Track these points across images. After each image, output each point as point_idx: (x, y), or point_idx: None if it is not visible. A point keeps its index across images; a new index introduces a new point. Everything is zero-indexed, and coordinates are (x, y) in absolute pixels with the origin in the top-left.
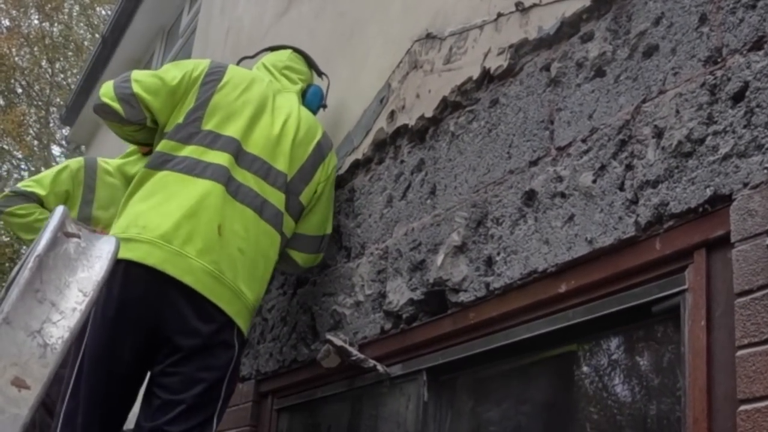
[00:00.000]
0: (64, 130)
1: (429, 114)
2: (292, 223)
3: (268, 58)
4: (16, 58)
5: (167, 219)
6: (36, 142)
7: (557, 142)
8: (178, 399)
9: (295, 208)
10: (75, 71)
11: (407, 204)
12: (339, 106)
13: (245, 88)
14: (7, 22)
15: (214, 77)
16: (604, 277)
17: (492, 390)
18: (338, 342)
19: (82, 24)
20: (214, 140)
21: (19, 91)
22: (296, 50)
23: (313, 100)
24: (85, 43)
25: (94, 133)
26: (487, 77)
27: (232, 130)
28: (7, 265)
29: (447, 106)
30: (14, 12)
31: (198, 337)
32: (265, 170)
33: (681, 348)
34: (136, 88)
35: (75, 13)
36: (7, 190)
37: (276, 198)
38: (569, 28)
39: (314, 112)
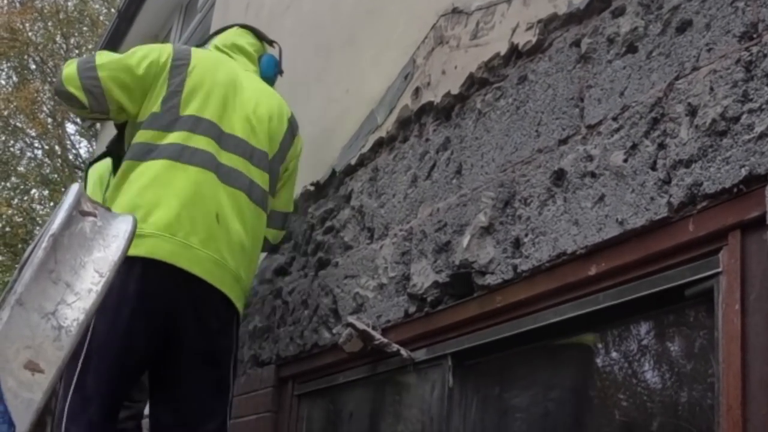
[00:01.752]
0: None
1: (455, 91)
2: (271, 200)
3: (218, 39)
4: (30, 34)
5: (167, 210)
6: (50, 120)
7: (587, 120)
8: (187, 396)
9: (275, 185)
10: (90, 47)
11: (432, 184)
12: (362, 84)
13: (213, 70)
14: None
15: (182, 62)
16: (635, 259)
17: (519, 375)
18: (361, 326)
19: None
20: (195, 125)
21: (33, 67)
22: (241, 25)
23: (268, 70)
24: (101, 17)
25: None
26: (515, 53)
27: (210, 114)
28: (20, 246)
29: (474, 83)
30: None
31: (210, 332)
32: (249, 151)
33: (714, 333)
34: (105, 82)
35: None
36: None
37: (261, 178)
38: (600, 2)
39: (272, 81)
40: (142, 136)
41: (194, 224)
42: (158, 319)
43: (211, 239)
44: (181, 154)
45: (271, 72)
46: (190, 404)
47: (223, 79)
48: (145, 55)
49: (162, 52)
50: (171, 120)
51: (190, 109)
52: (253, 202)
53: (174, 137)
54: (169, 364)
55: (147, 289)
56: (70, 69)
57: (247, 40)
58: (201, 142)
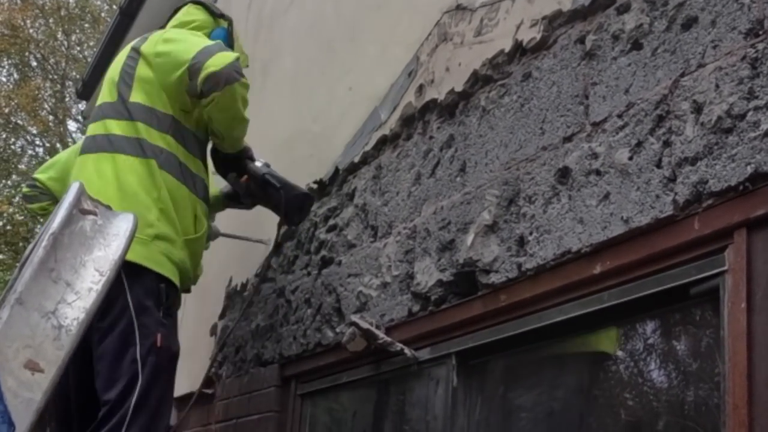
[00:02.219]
0: (80, 105)
1: (459, 88)
2: (141, 126)
3: (172, 20)
4: (31, 30)
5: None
6: (51, 117)
7: (592, 118)
8: (98, 374)
9: (133, 111)
10: (92, 43)
11: (436, 181)
12: (365, 81)
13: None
14: None
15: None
16: (640, 257)
17: (524, 375)
18: (364, 325)
19: None
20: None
21: (34, 64)
22: (193, 2)
23: None
24: (102, 14)
25: None
26: (519, 50)
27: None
28: (21, 244)
29: (478, 80)
30: None
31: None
32: (102, 112)
33: (720, 332)
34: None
35: None
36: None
37: (119, 127)
38: None
39: None
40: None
41: None
42: None
43: None
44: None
45: None
46: (98, 376)
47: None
48: None
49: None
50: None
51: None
52: (111, 152)
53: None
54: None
55: None
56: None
57: (195, 17)
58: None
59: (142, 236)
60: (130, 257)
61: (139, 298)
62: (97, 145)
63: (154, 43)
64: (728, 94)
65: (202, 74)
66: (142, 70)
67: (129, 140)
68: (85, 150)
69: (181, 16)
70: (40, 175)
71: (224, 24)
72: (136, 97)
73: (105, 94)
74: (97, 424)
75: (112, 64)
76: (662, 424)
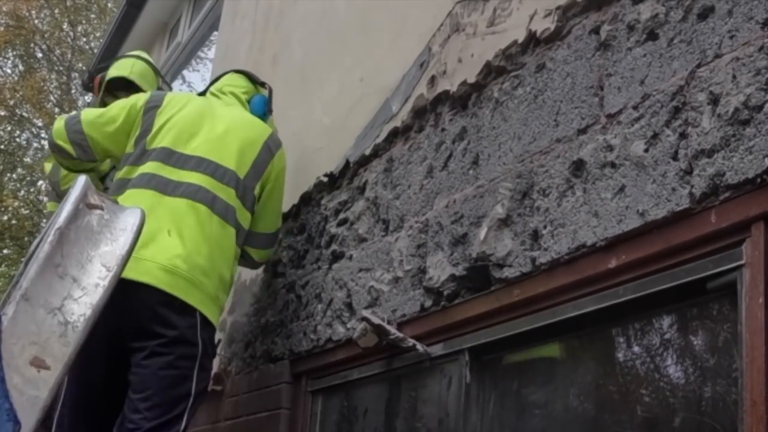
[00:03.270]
0: (86, 97)
1: (472, 79)
2: (248, 215)
3: (214, 86)
4: (36, 21)
5: None
6: (57, 110)
7: (607, 109)
8: (141, 396)
9: (249, 201)
10: (98, 35)
11: (448, 174)
12: (376, 72)
13: (183, 106)
14: None
15: (154, 104)
16: (656, 251)
17: (538, 371)
18: (376, 320)
19: None
20: (152, 155)
21: (39, 55)
22: (236, 71)
23: (256, 108)
24: (109, 4)
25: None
26: (533, 41)
27: (169, 142)
28: (26, 239)
29: (491, 71)
30: None
31: (159, 335)
32: (212, 169)
33: (738, 326)
34: (89, 133)
35: None
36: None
37: (225, 193)
38: None
39: (263, 119)
40: (118, 175)
41: (146, 240)
42: (110, 333)
43: (163, 250)
44: (145, 182)
45: (259, 110)
46: (130, 395)
47: (191, 111)
48: (124, 105)
49: (139, 98)
50: (140, 154)
51: (156, 143)
52: (216, 214)
53: (143, 169)
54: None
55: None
56: (59, 125)
57: (237, 83)
58: (151, 168)
59: (221, 298)
60: (206, 313)
61: (206, 341)
62: (188, 193)
63: (281, 166)
64: (745, 85)
65: None
66: (272, 175)
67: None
68: (165, 189)
69: (224, 82)
70: None
71: (264, 92)
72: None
73: (210, 149)
74: None
75: (230, 123)
76: (679, 420)
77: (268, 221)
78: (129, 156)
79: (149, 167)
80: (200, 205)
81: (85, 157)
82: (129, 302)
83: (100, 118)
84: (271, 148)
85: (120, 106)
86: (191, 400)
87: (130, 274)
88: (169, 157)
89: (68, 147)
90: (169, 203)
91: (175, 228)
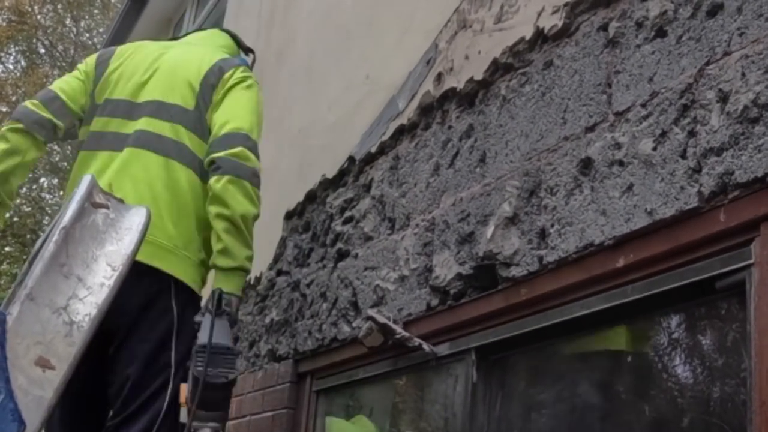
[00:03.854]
0: None
1: (479, 77)
2: (206, 147)
3: (191, 35)
4: (39, 16)
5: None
6: None
7: (615, 107)
8: (121, 380)
9: (205, 131)
10: (101, 30)
11: (455, 172)
12: (382, 69)
13: (132, 53)
14: None
15: (105, 56)
16: (664, 250)
17: (545, 370)
18: (381, 319)
19: None
20: (100, 110)
21: (42, 51)
22: (221, 29)
23: None
24: (112, 0)
25: None
26: (540, 37)
27: (119, 93)
28: (28, 236)
29: (498, 68)
30: None
31: (128, 313)
32: (154, 109)
33: (746, 326)
34: (63, 97)
35: None
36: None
37: (173, 131)
38: None
39: None
40: (80, 137)
41: None
42: None
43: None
44: (95, 143)
45: None
46: (117, 381)
47: (140, 57)
48: (81, 65)
49: (90, 57)
50: (91, 112)
51: (103, 96)
52: (163, 156)
53: (92, 127)
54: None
55: None
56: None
57: (218, 38)
58: (103, 123)
59: (194, 258)
60: (179, 276)
61: (183, 304)
62: (154, 145)
63: (233, 78)
64: (755, 83)
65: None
66: (221, 90)
67: (195, 158)
68: (135, 144)
69: (203, 33)
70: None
71: (248, 58)
72: (207, 113)
73: (159, 91)
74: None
75: (176, 55)
76: (687, 420)
77: (223, 122)
78: (85, 115)
79: (97, 124)
80: (144, 151)
81: (69, 125)
82: None
83: (64, 77)
84: (221, 68)
85: (81, 64)
86: (172, 371)
87: None
88: (117, 108)
89: (51, 118)
90: (117, 158)
91: (117, 183)
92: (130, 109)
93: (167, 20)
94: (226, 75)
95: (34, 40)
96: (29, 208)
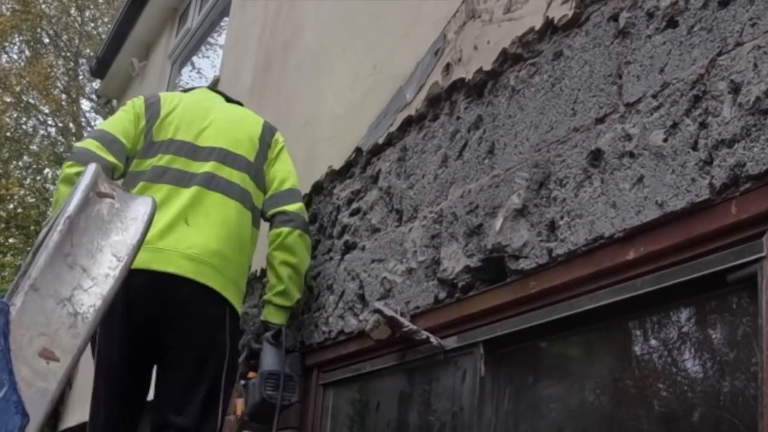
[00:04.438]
0: (94, 83)
1: (488, 67)
2: (263, 196)
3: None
4: (43, 6)
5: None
6: (64, 96)
7: (626, 98)
8: (175, 396)
9: (262, 182)
10: (106, 20)
11: (463, 164)
12: (390, 59)
13: (180, 100)
14: None
15: (153, 99)
16: (675, 243)
17: (554, 364)
18: (389, 312)
19: None
20: (162, 147)
21: (46, 40)
22: (208, 87)
23: None
24: None
25: (125, 87)
26: (550, 28)
27: (183, 135)
28: (32, 228)
29: (507, 59)
30: None
31: (191, 318)
32: (223, 156)
33: (758, 320)
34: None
35: None
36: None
37: (240, 178)
38: None
39: None
40: (131, 167)
41: (165, 231)
42: (142, 324)
43: (182, 239)
44: (159, 175)
45: None
46: (170, 390)
47: (191, 103)
48: (127, 105)
49: (138, 97)
50: (147, 147)
51: (163, 136)
52: (232, 199)
53: (154, 162)
54: (163, 359)
55: (131, 298)
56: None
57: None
58: (168, 160)
59: (242, 283)
60: (236, 306)
61: (234, 335)
62: (224, 189)
63: (280, 143)
64: (767, 74)
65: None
66: (275, 151)
67: (253, 204)
68: (206, 184)
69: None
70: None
71: None
72: (264, 168)
73: (222, 139)
74: None
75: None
76: (697, 415)
77: (284, 179)
78: (139, 151)
79: (162, 160)
80: (215, 193)
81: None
82: (159, 292)
83: (106, 120)
84: (271, 129)
85: (123, 108)
86: (221, 401)
87: (152, 265)
88: (180, 148)
89: (115, 161)
90: (185, 194)
91: (192, 217)
92: (193, 151)
93: (172, 10)
94: (276, 136)
95: (39, 30)
96: (33, 199)
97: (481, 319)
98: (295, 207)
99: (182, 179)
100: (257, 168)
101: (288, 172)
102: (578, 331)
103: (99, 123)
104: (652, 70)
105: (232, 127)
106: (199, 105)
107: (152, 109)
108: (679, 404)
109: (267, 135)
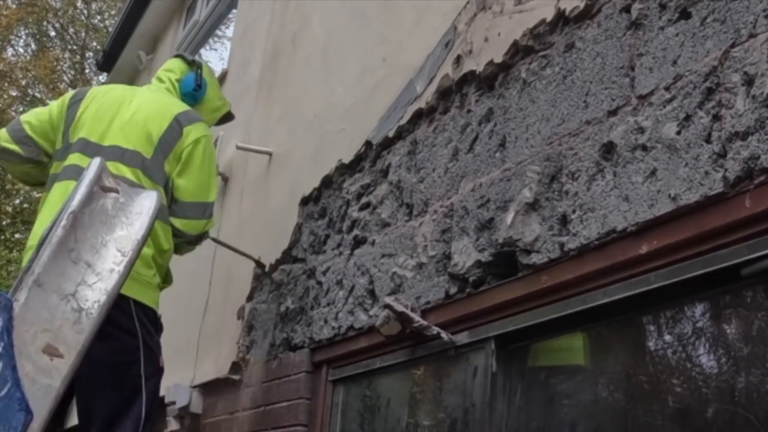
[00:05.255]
0: (100, 77)
1: (498, 59)
2: (161, 190)
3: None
4: None
5: (39, 224)
6: (70, 90)
7: (638, 90)
8: (91, 394)
9: (160, 177)
10: (113, 13)
11: (474, 157)
12: (400, 52)
13: (102, 96)
14: None
15: (78, 97)
16: (688, 237)
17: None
18: (399, 307)
19: None
20: (73, 147)
21: (53, 34)
22: (176, 54)
23: (186, 86)
24: None
25: (132, 81)
26: (562, 19)
27: (88, 133)
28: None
29: (518, 51)
30: None
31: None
32: (119, 154)
33: None
34: (29, 131)
35: None
36: None
37: (133, 174)
38: None
39: (192, 95)
40: (50, 171)
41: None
42: None
43: None
44: (58, 176)
45: (188, 88)
46: (85, 404)
47: (106, 101)
48: (58, 100)
49: (65, 96)
50: (65, 148)
51: (75, 135)
52: None
53: (67, 161)
54: None
55: None
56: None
57: (169, 66)
58: (72, 159)
59: (147, 275)
60: (140, 299)
61: (144, 322)
62: None
63: (192, 139)
64: None
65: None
66: (184, 147)
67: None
68: (75, 177)
69: (164, 67)
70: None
71: (194, 69)
72: (164, 164)
73: (120, 137)
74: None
75: (138, 105)
76: (711, 411)
77: (188, 190)
78: (57, 152)
79: (71, 159)
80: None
81: (31, 154)
82: None
83: (36, 109)
84: (180, 122)
85: (53, 104)
86: (143, 380)
87: None
88: (86, 147)
89: (14, 147)
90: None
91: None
92: (97, 150)
93: (180, 2)
94: (185, 130)
95: (45, 23)
96: (39, 194)
97: (493, 314)
98: (179, 223)
99: (75, 174)
100: (153, 163)
101: (192, 183)
102: (591, 326)
103: None
104: (664, 62)
105: (134, 119)
106: (115, 99)
107: (72, 109)
108: (694, 400)
109: (173, 129)
